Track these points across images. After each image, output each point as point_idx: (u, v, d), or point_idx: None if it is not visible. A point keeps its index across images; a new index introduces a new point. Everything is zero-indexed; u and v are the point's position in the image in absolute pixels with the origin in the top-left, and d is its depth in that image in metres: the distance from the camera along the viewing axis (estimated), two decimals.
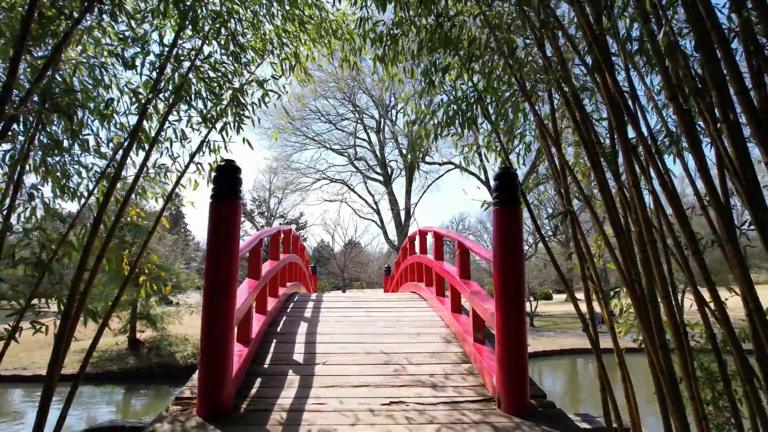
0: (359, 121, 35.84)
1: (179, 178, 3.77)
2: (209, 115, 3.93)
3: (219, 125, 4.04)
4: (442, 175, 36.77)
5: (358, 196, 37.21)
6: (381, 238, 44.90)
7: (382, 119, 35.33)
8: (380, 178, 35.77)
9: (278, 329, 5.05)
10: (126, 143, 3.27)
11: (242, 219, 40.65)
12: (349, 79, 33.74)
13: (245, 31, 4.44)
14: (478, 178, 33.34)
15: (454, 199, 74.84)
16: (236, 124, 4.07)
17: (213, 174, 3.35)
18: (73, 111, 2.85)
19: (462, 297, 5.02)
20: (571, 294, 3.77)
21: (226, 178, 3.37)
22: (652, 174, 2.78)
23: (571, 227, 3.51)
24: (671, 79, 2.54)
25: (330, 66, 32.54)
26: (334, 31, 5.04)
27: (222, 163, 3.40)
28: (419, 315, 5.73)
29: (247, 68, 4.48)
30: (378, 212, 36.95)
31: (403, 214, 34.57)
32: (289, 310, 5.98)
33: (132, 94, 3.38)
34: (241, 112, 4.02)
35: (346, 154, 36.37)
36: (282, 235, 7.15)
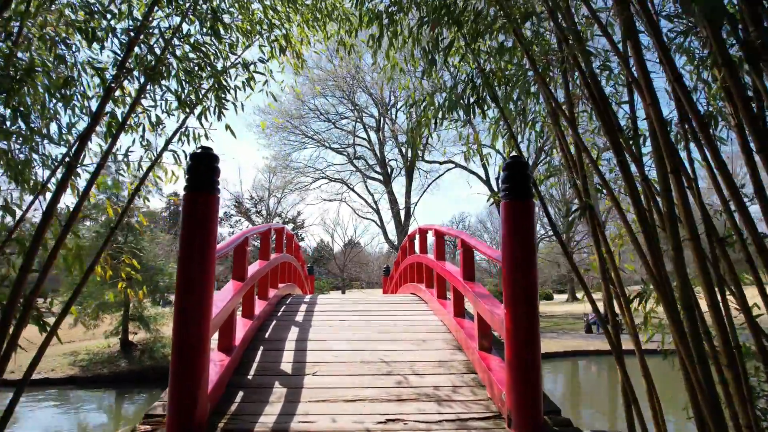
0: (359, 119, 35.44)
1: (149, 169, 3.39)
2: (187, 100, 3.54)
3: (198, 110, 3.64)
4: (442, 174, 36.27)
5: (358, 195, 36.83)
6: (381, 237, 44.52)
7: (382, 118, 34.94)
8: (380, 177, 35.37)
9: (266, 335, 4.67)
10: (86, 128, 2.88)
11: (238, 218, 40.20)
12: (349, 77, 33.37)
13: (230, 9, 4.06)
14: (479, 177, 32.98)
15: (454, 199, 74.48)
16: (217, 110, 3.68)
17: (188, 162, 2.97)
18: (12, 86, 2.47)
19: (465, 300, 4.65)
20: (589, 296, 3.39)
21: (202, 167, 2.99)
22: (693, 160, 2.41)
23: (590, 223, 3.12)
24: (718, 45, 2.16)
25: (329, 64, 32.15)
26: (329, 13, 4.66)
27: (198, 151, 3.02)
28: (420, 319, 5.35)
29: (233, 50, 4.10)
30: (377, 212, 36.57)
31: (402, 213, 34.17)
32: (280, 313, 5.60)
33: (95, 73, 3.00)
34: (223, 96, 3.63)
35: (346, 153, 35.98)
36: (274, 234, 6.78)
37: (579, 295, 38.09)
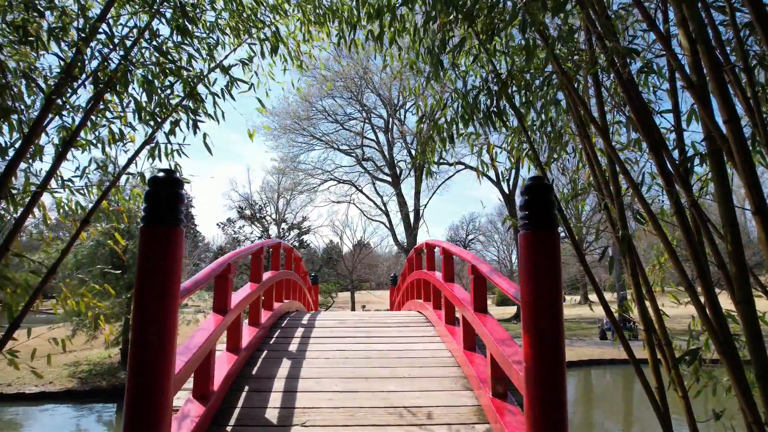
0: (367, 120, 34.97)
1: (105, 192, 2.91)
2: (155, 111, 3.06)
3: (168, 123, 3.16)
4: (452, 175, 35.68)
5: (366, 197, 36.37)
6: (390, 239, 44.01)
7: (391, 119, 34.44)
8: (389, 179, 34.87)
9: (254, 370, 4.18)
10: (20, 146, 2.41)
11: (242, 223, 39.81)
12: (357, 78, 32.90)
13: (212, 5, 3.58)
14: (489, 178, 32.35)
15: (464, 199, 73.71)
16: (191, 122, 3.20)
17: (145, 190, 2.49)
18: None
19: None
20: (602, 299, 2.85)
21: (162, 194, 2.51)
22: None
23: (628, 260, 2.59)
24: None
25: (337, 65, 31.70)
26: (331, 7, 4.17)
27: (158, 175, 2.54)
28: (426, 349, 4.82)
29: (211, 52, 3.62)
30: (386, 214, 36.07)
31: (412, 215, 33.64)
32: (272, 341, 5.11)
33: (27, 81, 2.53)
34: (196, 107, 3.15)
35: (354, 155, 35.52)
36: (270, 251, 6.31)
37: (592, 297, 37.31)
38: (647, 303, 2.60)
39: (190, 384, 3.29)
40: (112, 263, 13.74)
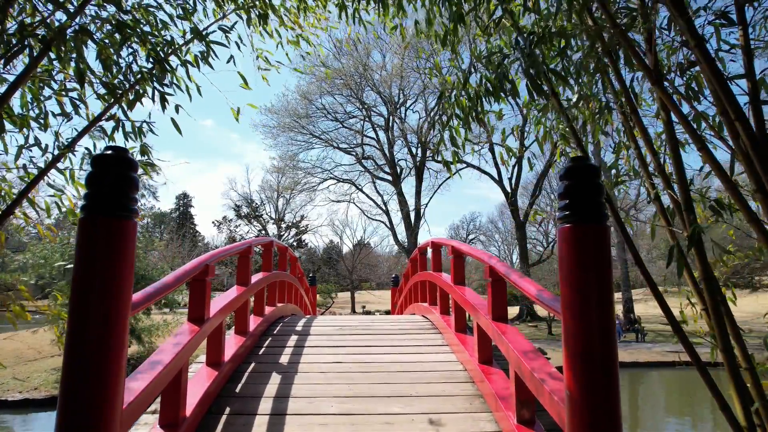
0: (367, 118, 34.45)
1: (35, 179, 2.38)
2: (115, 83, 2.53)
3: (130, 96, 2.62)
4: (454, 174, 35.09)
5: (367, 196, 35.88)
6: (390, 239, 43.52)
7: (391, 117, 33.91)
8: (389, 177, 34.36)
9: (238, 387, 3.64)
10: None
11: (239, 222, 39.60)
12: (356, 75, 32.36)
13: None
14: (491, 177, 31.80)
15: (464, 198, 73.17)
16: (157, 96, 2.66)
17: (88, 171, 1.95)
18: None
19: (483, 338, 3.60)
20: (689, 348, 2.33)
21: (109, 177, 1.98)
22: None
23: (700, 262, 2.06)
24: None
25: (336, 62, 31.14)
26: None
27: (104, 153, 2.01)
28: (435, 360, 4.29)
29: (191, 17, 3.10)
30: (387, 213, 35.57)
31: (412, 215, 33.12)
32: (262, 350, 4.58)
33: None
34: (161, 76, 2.61)
35: (354, 153, 35.02)
36: (260, 249, 5.79)
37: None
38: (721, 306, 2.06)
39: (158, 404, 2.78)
40: None
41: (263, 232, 36.30)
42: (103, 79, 2.50)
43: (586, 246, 2.03)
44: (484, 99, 2.60)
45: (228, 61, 3.12)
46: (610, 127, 2.70)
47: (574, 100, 2.57)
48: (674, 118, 2.25)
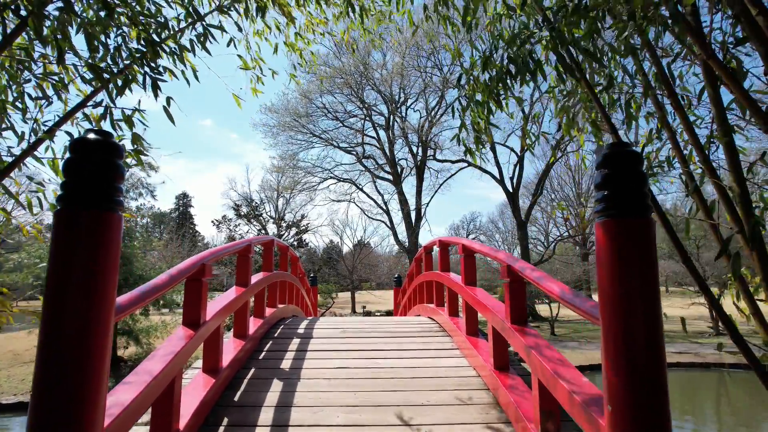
0: (367, 117, 34.19)
1: (9, 166, 2.14)
2: (100, 66, 2.29)
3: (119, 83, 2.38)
4: (455, 173, 34.82)
5: (367, 195, 35.59)
6: (391, 239, 43.27)
7: (392, 116, 33.64)
8: (389, 177, 34.10)
9: (237, 396, 3.41)
10: None
11: (238, 221, 39.67)
12: (357, 74, 32.10)
13: None
14: (492, 176, 31.53)
15: (464, 198, 72.90)
16: (148, 81, 2.43)
17: (65, 157, 1.72)
18: None
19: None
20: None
21: (90, 164, 1.75)
22: None
23: (760, 260, 1.82)
24: None
25: (337, 61, 30.90)
26: None
27: (85, 136, 1.77)
28: (446, 366, 4.05)
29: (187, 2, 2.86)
30: (387, 213, 35.30)
31: (413, 214, 32.87)
32: (262, 355, 4.34)
33: None
34: (153, 61, 2.38)
35: (354, 153, 34.75)
36: (260, 249, 5.55)
37: (594, 296, 36.30)
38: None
39: (148, 416, 2.54)
40: None
41: (263, 231, 36.05)
42: (89, 61, 2.27)
43: (631, 242, 1.79)
44: (507, 80, 2.37)
45: (228, 45, 2.89)
46: (643, 112, 2.46)
47: (605, 83, 2.34)
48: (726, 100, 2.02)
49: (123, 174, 1.83)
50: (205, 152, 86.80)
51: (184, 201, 62.99)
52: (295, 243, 39.01)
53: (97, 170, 1.75)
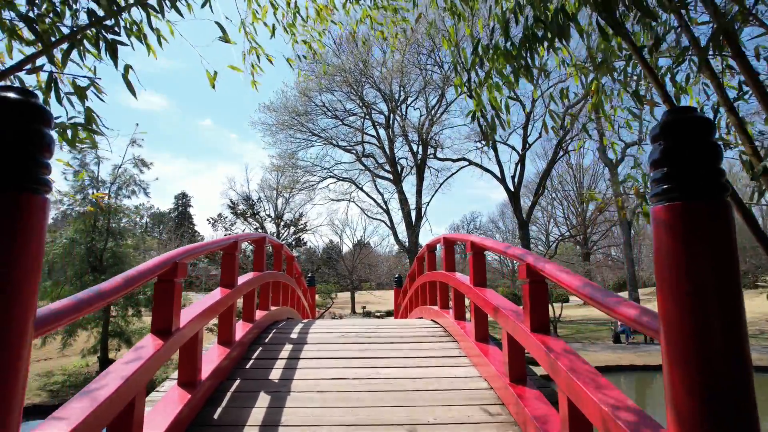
0: (367, 116, 33.76)
1: None
2: (39, 20, 1.88)
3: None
4: (456, 172, 34.40)
5: (367, 195, 35.15)
6: (391, 238, 42.86)
7: (392, 114, 33.22)
8: (389, 176, 33.68)
9: (217, 413, 3.00)
10: None
11: (234, 221, 39.43)
12: (356, 72, 31.68)
13: None
14: (493, 174, 31.12)
15: (464, 198, 72.53)
16: (101, 42, 2.02)
17: None
18: None
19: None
20: None
21: (5, 133, 1.35)
22: None
23: None
24: None
25: (336, 59, 30.49)
26: None
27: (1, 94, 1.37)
28: (453, 376, 3.63)
29: None
30: (387, 212, 34.87)
31: (413, 213, 32.45)
32: (250, 364, 3.93)
33: None
34: (106, 17, 1.97)
35: (354, 151, 34.32)
36: (250, 246, 5.14)
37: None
38: None
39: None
40: (88, 263, 12.52)
41: (261, 230, 35.63)
42: (28, 13, 1.86)
43: (704, 230, 1.39)
44: (531, 45, 1.97)
45: (203, 6, 2.47)
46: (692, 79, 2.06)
47: (651, 43, 1.94)
48: None
49: (51, 146, 1.43)
50: (205, 152, 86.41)
51: (183, 201, 62.58)
52: (294, 242, 38.61)
53: (14, 140, 1.35)
